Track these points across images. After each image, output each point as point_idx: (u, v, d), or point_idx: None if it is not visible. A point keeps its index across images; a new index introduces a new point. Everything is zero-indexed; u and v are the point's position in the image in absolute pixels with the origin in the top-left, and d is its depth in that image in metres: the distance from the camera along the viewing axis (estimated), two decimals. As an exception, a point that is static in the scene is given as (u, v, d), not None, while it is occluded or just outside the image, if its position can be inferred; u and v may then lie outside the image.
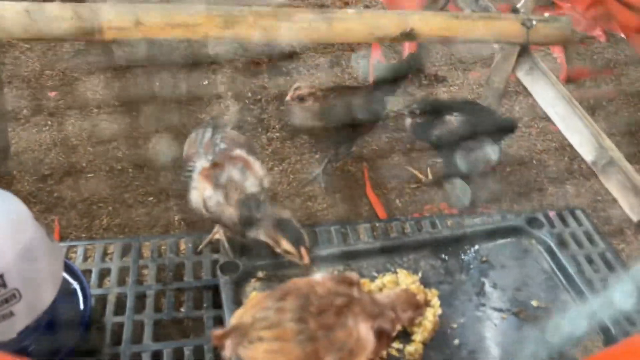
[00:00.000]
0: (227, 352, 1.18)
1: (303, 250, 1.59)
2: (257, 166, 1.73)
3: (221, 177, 1.67)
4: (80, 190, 2.34)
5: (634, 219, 1.91)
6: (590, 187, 2.83)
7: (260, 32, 2.14)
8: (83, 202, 2.30)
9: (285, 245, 1.59)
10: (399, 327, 1.35)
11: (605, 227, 2.62)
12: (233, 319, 1.23)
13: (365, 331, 1.22)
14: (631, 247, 2.56)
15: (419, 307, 1.38)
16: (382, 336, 1.26)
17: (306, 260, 1.55)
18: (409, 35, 2.24)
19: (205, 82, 3.05)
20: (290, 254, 1.61)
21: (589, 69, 3.80)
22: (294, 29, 2.14)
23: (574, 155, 3.00)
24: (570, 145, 3.02)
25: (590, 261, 2.09)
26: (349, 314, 1.23)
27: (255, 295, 1.68)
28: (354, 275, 1.37)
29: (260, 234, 1.63)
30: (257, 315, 1.19)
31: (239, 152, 1.76)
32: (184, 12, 2.07)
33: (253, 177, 1.69)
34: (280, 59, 3.28)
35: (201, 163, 1.72)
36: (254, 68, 3.18)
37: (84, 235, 2.18)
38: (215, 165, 1.70)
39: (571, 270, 1.88)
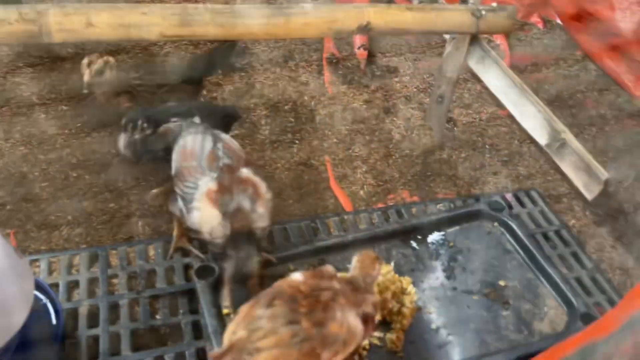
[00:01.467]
0: None
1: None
2: (263, 189, 1.64)
3: (230, 205, 1.57)
4: (35, 201, 2.24)
5: (589, 197, 2.03)
6: (540, 168, 2.97)
7: (217, 29, 2.10)
8: (39, 213, 2.20)
9: (226, 295, 1.57)
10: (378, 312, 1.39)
11: (557, 205, 2.76)
12: (226, 335, 1.23)
13: (353, 319, 1.26)
14: (581, 223, 2.71)
15: (376, 257, 1.45)
16: (367, 320, 1.31)
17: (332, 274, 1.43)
18: (365, 29, 2.27)
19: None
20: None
21: (530, 55, 3.97)
22: (252, 25, 2.12)
23: (523, 139, 3.13)
24: (519, 129, 3.16)
25: (547, 238, 2.21)
26: (336, 306, 1.26)
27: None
28: (329, 268, 1.40)
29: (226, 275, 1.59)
30: (250, 327, 1.19)
31: (246, 173, 1.65)
32: (137, 11, 2.00)
33: (262, 206, 1.60)
34: (232, 55, 3.23)
35: (206, 182, 1.59)
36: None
37: (43, 247, 2.09)
38: (223, 188, 1.59)
39: (532, 248, 1.98)
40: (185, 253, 1.91)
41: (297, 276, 1.35)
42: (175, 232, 1.88)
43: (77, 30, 1.99)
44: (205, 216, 1.58)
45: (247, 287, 1.55)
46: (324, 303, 1.25)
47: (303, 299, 1.24)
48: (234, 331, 1.21)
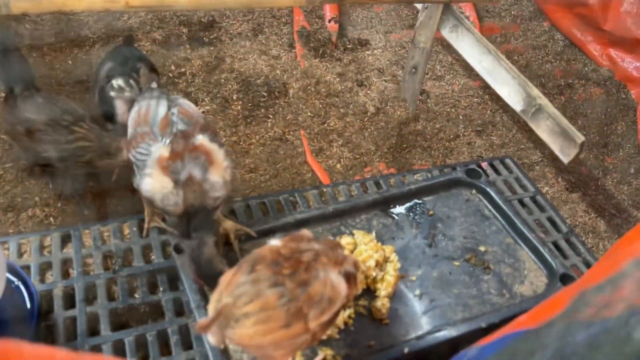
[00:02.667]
0: (213, 339, 1.15)
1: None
2: (220, 157, 1.57)
3: (182, 173, 1.51)
4: (0, 183, 2.14)
5: (565, 160, 2.05)
6: (513, 137, 3.00)
7: (186, 0, 2.03)
8: (4, 195, 2.10)
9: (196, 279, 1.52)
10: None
11: (530, 173, 2.80)
12: (211, 304, 1.20)
13: (336, 278, 1.25)
14: (554, 189, 2.76)
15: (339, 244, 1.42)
16: (350, 278, 1.30)
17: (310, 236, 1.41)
18: (337, -2, 2.22)
19: (123, 58, 2.86)
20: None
21: (499, 26, 3.99)
22: (222, -6, 2.05)
23: (495, 108, 3.16)
24: (491, 99, 3.18)
25: (523, 205, 2.24)
26: (318, 266, 1.25)
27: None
28: (305, 231, 1.38)
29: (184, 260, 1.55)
30: (235, 294, 1.16)
31: (201, 139, 1.57)
32: (101, -20, 1.90)
33: (215, 175, 1.54)
34: (200, 29, 3.14)
35: (158, 148, 1.53)
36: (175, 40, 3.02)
37: (11, 230, 2.00)
38: (175, 154, 1.52)
39: (510, 214, 2.00)
40: (163, 230, 1.86)
41: (275, 242, 1.33)
42: (146, 212, 1.83)
43: (38, 0, 1.89)
44: (156, 184, 1.52)
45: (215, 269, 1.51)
46: (306, 263, 1.24)
47: (285, 261, 1.23)
48: (219, 299, 1.18)
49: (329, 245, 1.37)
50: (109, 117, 1.99)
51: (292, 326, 1.16)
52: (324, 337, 1.47)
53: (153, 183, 1.53)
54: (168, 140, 1.55)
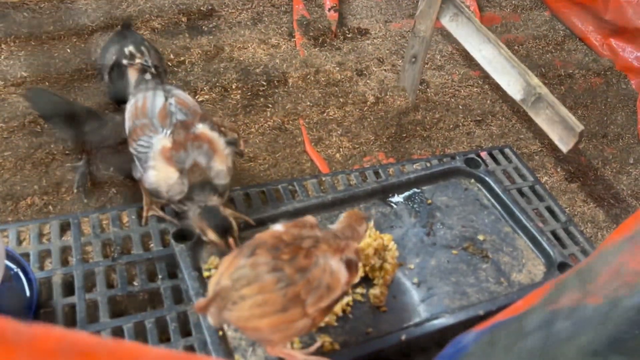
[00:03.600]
0: (212, 320, 1.16)
1: (231, 240, 1.52)
2: (221, 145, 1.59)
3: (186, 161, 1.53)
4: (-2, 171, 2.14)
5: (564, 149, 2.05)
6: (512, 126, 3.00)
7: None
8: (3, 183, 2.10)
9: (211, 235, 1.51)
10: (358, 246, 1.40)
11: (529, 162, 2.80)
12: (210, 285, 1.20)
13: (336, 265, 1.26)
14: (553, 179, 2.76)
15: (365, 216, 1.45)
16: (351, 266, 1.30)
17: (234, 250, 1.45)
18: (338, -15, 2.20)
19: (122, 46, 2.85)
20: (217, 244, 1.55)
21: (499, 16, 3.97)
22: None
23: (495, 98, 3.15)
24: (491, 89, 3.17)
25: (522, 194, 2.24)
26: (318, 252, 1.26)
27: (214, 259, 1.65)
28: (310, 218, 1.38)
29: (189, 224, 1.56)
30: (234, 276, 1.17)
31: (201, 128, 1.59)
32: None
33: (219, 162, 1.56)
34: (199, 17, 3.12)
35: (159, 139, 1.54)
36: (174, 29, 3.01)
37: (10, 219, 2.01)
38: (178, 144, 1.54)
39: (509, 203, 2.00)
40: (161, 219, 1.86)
41: (278, 227, 1.34)
42: (144, 201, 1.83)
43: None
44: (161, 175, 1.54)
45: (224, 236, 1.53)
46: (306, 250, 1.25)
47: (285, 247, 1.23)
48: (218, 281, 1.19)
49: (354, 215, 1.41)
50: (121, 99, 1.99)
51: (289, 311, 1.17)
52: (322, 324, 1.48)
53: (157, 174, 1.54)
54: (169, 131, 1.55)
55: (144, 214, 1.84)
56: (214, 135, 1.60)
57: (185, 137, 1.55)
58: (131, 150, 1.62)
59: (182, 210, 1.60)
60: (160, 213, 1.86)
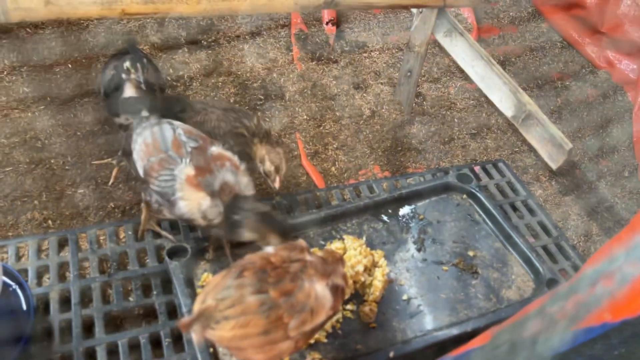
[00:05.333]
0: (195, 337, 1.20)
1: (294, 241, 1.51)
2: (237, 161, 1.63)
3: (214, 183, 1.55)
4: (0, 186, 2.18)
5: (553, 166, 2.07)
6: (507, 139, 3.02)
7: (182, 6, 2.06)
8: (4, 198, 2.14)
9: (274, 239, 1.52)
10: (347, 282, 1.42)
11: (524, 176, 2.82)
12: (196, 304, 1.24)
13: (321, 290, 1.30)
14: (547, 193, 2.78)
15: (341, 258, 1.46)
16: (337, 291, 1.34)
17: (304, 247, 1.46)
18: (332, 4, 2.24)
19: (122, 61, 2.90)
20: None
21: (497, 28, 4.00)
22: (217, 1, 2.08)
23: (491, 111, 3.18)
24: (487, 102, 3.20)
25: (514, 209, 2.27)
26: (304, 277, 1.29)
27: (207, 276, 1.68)
28: (301, 242, 1.42)
29: (244, 233, 1.55)
30: (218, 296, 1.21)
31: (215, 150, 1.63)
32: (97, -12, 1.93)
33: (243, 177, 1.60)
34: (198, 32, 3.17)
35: (181, 169, 1.56)
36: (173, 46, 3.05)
37: (10, 234, 2.04)
38: (201, 170, 1.56)
39: (499, 218, 2.03)
40: (157, 234, 1.90)
41: (269, 249, 1.38)
42: (143, 215, 1.87)
43: (34, 8, 1.92)
44: (192, 202, 1.55)
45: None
46: (293, 274, 1.28)
47: (272, 270, 1.27)
48: (203, 300, 1.23)
49: (329, 257, 1.41)
50: (116, 112, 2.04)
51: (271, 333, 1.20)
52: (312, 340, 1.51)
53: (189, 203, 1.56)
54: (187, 160, 1.58)
55: (141, 228, 1.88)
56: (228, 153, 1.65)
57: (206, 161, 1.58)
58: (153, 187, 1.61)
59: (225, 225, 1.57)
60: (157, 228, 1.90)
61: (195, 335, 1.20)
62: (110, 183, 2.25)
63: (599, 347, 0.74)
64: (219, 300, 1.20)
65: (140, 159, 1.64)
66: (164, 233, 1.89)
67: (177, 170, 1.56)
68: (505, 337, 0.71)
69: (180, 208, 1.56)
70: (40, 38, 2.87)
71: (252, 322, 1.18)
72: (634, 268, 0.58)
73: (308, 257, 1.36)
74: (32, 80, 2.65)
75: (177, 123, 1.71)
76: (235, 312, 1.19)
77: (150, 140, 1.63)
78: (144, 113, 1.73)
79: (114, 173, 2.28)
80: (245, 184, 1.60)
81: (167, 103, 2.07)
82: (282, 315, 1.20)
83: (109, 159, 2.33)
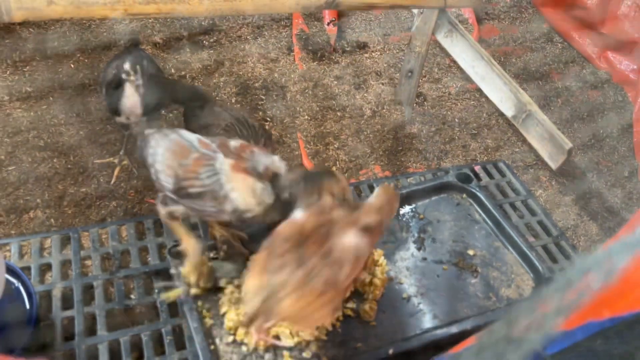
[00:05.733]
0: (255, 336, 1.32)
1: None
2: (256, 146, 1.58)
3: (258, 167, 1.48)
4: (2, 185, 2.20)
5: (553, 166, 2.08)
6: (508, 139, 3.03)
7: (183, 6, 2.07)
8: (7, 197, 2.16)
9: (330, 190, 1.44)
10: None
11: (524, 176, 2.84)
12: (247, 296, 1.33)
13: (355, 238, 1.37)
14: (548, 193, 2.79)
15: (398, 194, 1.56)
16: (371, 230, 1.40)
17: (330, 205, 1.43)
18: (333, 4, 2.26)
19: (124, 61, 2.91)
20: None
21: (498, 28, 4.01)
22: (218, 1, 2.09)
23: (492, 111, 3.19)
24: (487, 102, 3.21)
25: (515, 208, 2.28)
26: (335, 233, 1.36)
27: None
28: (327, 200, 1.42)
29: (303, 203, 1.44)
30: (270, 283, 1.29)
31: (236, 142, 1.56)
32: (99, -12, 1.95)
33: (272, 155, 1.53)
34: (200, 32, 3.19)
35: (221, 162, 1.47)
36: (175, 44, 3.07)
37: (13, 232, 2.06)
38: (239, 158, 1.48)
39: (499, 218, 2.04)
40: (159, 233, 1.91)
41: (299, 215, 1.39)
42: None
43: (38, 8, 1.93)
44: (246, 191, 1.46)
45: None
46: (325, 235, 1.35)
47: (306, 241, 1.33)
48: (256, 291, 1.32)
49: (387, 192, 1.49)
50: (115, 111, 2.07)
51: (326, 293, 1.31)
52: (312, 338, 1.53)
53: (242, 193, 1.46)
54: (220, 153, 1.50)
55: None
56: (245, 142, 1.59)
57: (237, 150, 1.51)
58: (194, 191, 1.50)
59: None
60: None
61: (255, 334, 1.31)
62: (112, 182, 2.27)
63: (599, 345, 0.75)
64: (270, 290, 1.28)
65: (167, 168, 1.53)
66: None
67: (218, 164, 1.48)
68: (493, 335, 0.72)
69: (233, 201, 1.46)
70: (43, 38, 2.89)
71: (306, 292, 1.28)
72: (625, 259, 0.59)
73: (335, 215, 1.39)
74: (35, 79, 2.67)
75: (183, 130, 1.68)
76: (289, 291, 1.27)
77: (174, 146, 1.54)
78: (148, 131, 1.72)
79: (115, 172, 2.30)
80: (278, 161, 1.52)
81: (188, 93, 2.10)
82: (329, 275, 1.29)
83: (111, 158, 2.35)
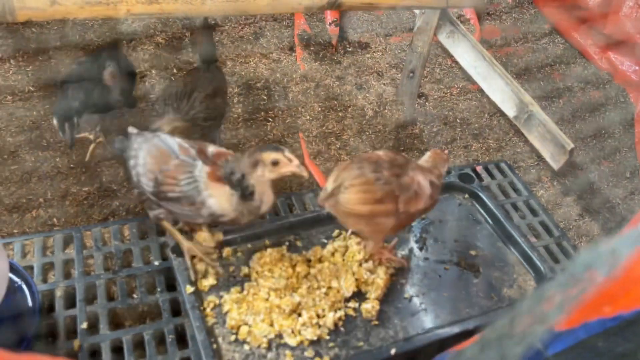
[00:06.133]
0: (329, 206, 1.58)
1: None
2: (234, 153, 1.65)
3: (234, 174, 1.55)
4: (5, 184, 2.21)
5: (555, 167, 2.09)
6: (509, 140, 3.04)
7: (186, 6, 2.08)
8: (10, 196, 2.17)
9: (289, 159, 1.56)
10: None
11: (526, 176, 2.84)
12: (329, 181, 1.58)
13: (423, 180, 1.62)
14: (549, 193, 2.79)
15: (447, 157, 1.80)
16: (433, 186, 1.65)
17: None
18: (335, 4, 2.26)
19: (127, 61, 2.92)
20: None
21: (500, 29, 4.02)
22: (221, 1, 2.09)
23: (493, 112, 3.19)
24: (489, 103, 3.21)
25: (516, 209, 2.28)
26: (409, 167, 1.62)
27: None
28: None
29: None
30: (342, 176, 1.55)
31: (213, 148, 1.64)
32: (102, -12, 1.95)
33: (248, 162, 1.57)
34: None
35: (199, 169, 1.57)
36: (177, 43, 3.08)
37: (16, 231, 2.07)
38: (215, 166, 1.57)
39: (501, 218, 2.04)
40: (161, 232, 1.91)
41: (378, 152, 1.66)
42: (182, 246, 1.71)
43: (41, 8, 1.94)
44: (222, 197, 1.55)
45: None
46: (400, 165, 1.61)
47: (384, 162, 1.59)
48: (335, 179, 1.56)
49: (437, 156, 1.75)
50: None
51: (384, 203, 1.54)
52: (315, 337, 1.53)
53: (219, 200, 1.56)
54: (199, 161, 1.58)
55: (187, 258, 1.69)
56: (223, 149, 1.67)
57: (214, 158, 1.59)
58: (173, 195, 1.58)
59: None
60: (199, 253, 1.70)
61: (329, 204, 1.57)
62: (87, 159, 2.24)
63: (601, 343, 0.75)
64: (344, 179, 1.53)
65: (148, 172, 1.60)
66: (209, 262, 1.71)
67: (197, 171, 1.57)
68: (496, 331, 0.72)
69: (211, 207, 1.56)
70: (46, 38, 2.90)
71: (370, 189, 1.52)
72: (627, 254, 0.59)
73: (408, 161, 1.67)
74: (38, 78, 2.68)
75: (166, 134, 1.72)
76: (358, 181, 1.52)
77: (155, 151, 1.62)
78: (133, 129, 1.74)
79: (90, 148, 2.26)
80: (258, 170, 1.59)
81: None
82: (394, 189, 1.53)
83: (86, 133, 2.31)
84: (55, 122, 2.06)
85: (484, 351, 0.67)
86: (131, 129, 1.73)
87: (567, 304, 0.61)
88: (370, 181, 1.53)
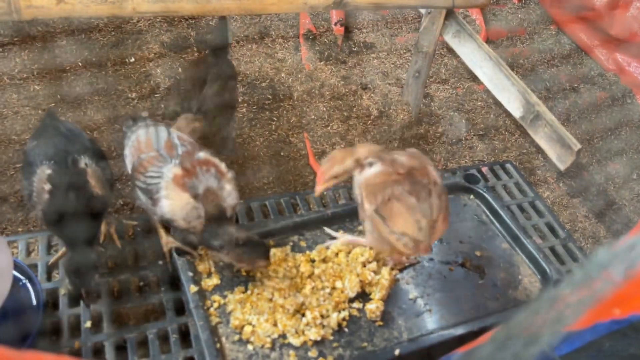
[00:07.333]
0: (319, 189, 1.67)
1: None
2: (225, 168, 1.64)
3: (199, 187, 1.56)
4: (10, 183, 2.21)
5: (561, 167, 2.07)
6: (515, 141, 3.02)
7: (192, 5, 2.07)
8: (14, 194, 2.17)
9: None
10: None
11: (531, 177, 2.82)
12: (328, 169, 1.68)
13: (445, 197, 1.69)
14: (555, 194, 2.78)
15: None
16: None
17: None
18: (341, 4, 2.25)
19: (132, 60, 2.92)
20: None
21: (506, 29, 4.00)
22: (226, 1, 2.09)
23: (499, 112, 3.17)
24: (495, 103, 3.20)
25: (522, 210, 2.26)
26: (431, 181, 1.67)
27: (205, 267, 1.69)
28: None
29: (223, 256, 1.58)
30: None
31: (204, 155, 1.65)
32: (108, -13, 1.95)
33: (228, 184, 1.60)
34: (208, 32, 3.19)
35: (169, 169, 1.57)
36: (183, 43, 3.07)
37: (20, 229, 2.07)
38: (188, 172, 1.57)
39: (507, 219, 2.03)
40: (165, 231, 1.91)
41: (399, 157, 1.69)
42: (161, 237, 1.76)
43: (47, 6, 1.94)
44: (176, 203, 1.55)
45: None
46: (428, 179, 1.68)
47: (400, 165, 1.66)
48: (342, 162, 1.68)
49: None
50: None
51: (402, 185, 1.59)
52: (318, 337, 1.52)
53: (172, 203, 1.55)
54: (177, 161, 1.60)
55: (165, 249, 1.76)
56: (216, 160, 1.66)
57: (193, 164, 1.59)
58: (138, 184, 1.63)
59: (203, 242, 1.60)
60: (178, 244, 1.77)
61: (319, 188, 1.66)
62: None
63: (608, 346, 0.74)
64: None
65: (131, 155, 1.68)
66: (187, 248, 1.76)
67: (166, 169, 1.58)
68: (505, 332, 0.71)
69: (163, 207, 1.56)
70: (52, 36, 2.90)
71: (388, 171, 1.60)
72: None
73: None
74: (43, 78, 2.68)
75: (171, 129, 1.74)
76: (377, 158, 1.63)
77: (143, 138, 1.67)
78: (144, 113, 1.79)
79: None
80: (228, 192, 1.59)
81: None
82: (412, 182, 1.60)
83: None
84: None
85: (497, 351, 0.66)
86: (144, 113, 1.79)
87: (583, 304, 0.60)
88: (391, 163, 1.63)
